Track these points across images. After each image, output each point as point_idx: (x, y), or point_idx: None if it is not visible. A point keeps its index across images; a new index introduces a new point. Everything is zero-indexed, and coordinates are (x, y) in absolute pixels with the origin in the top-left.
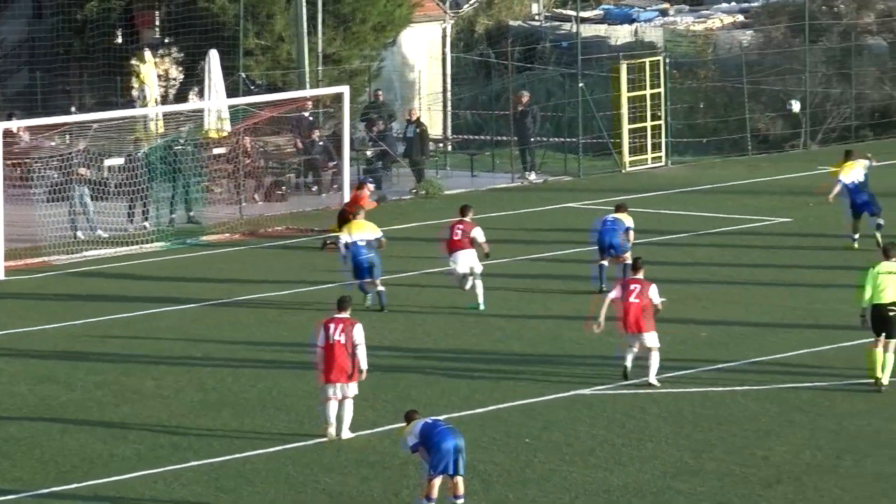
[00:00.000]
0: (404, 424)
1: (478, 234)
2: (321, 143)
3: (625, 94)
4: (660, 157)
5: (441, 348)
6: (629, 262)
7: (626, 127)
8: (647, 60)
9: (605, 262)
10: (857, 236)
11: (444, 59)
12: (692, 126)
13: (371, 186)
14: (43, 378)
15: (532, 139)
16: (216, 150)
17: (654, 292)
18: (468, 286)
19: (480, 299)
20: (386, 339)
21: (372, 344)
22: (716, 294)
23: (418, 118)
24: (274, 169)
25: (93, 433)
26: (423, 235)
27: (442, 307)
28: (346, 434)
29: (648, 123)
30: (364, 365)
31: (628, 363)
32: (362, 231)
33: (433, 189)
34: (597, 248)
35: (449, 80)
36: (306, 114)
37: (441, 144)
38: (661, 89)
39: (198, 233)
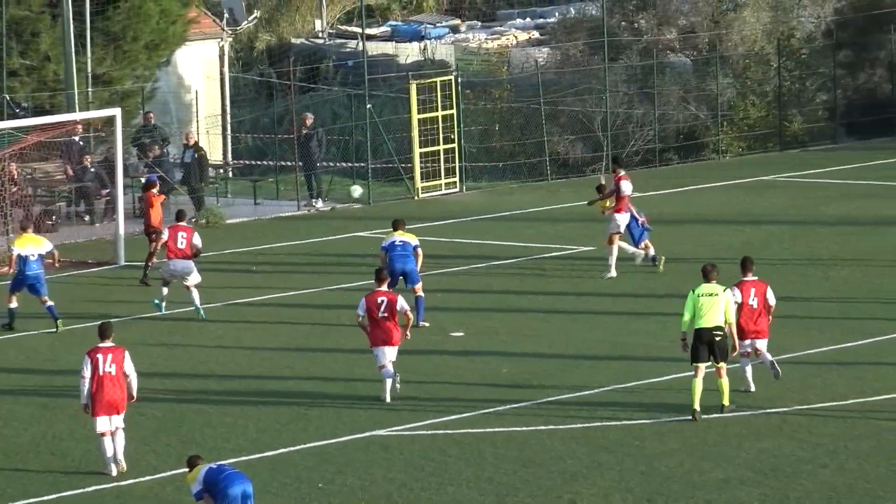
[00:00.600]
0: (187, 470)
1: (198, 241)
2: (93, 169)
3: (415, 116)
4: (454, 183)
5: (226, 388)
6: (422, 294)
7: (417, 151)
8: (437, 80)
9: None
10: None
11: (222, 80)
12: (488, 149)
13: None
14: None
15: (318, 164)
16: None
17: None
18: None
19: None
20: (166, 378)
21: (151, 384)
22: (516, 327)
23: (196, 142)
24: (43, 197)
25: None
26: (205, 267)
27: (227, 344)
28: (121, 460)
29: (441, 147)
30: (135, 393)
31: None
32: (34, 245)
33: (214, 218)
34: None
35: (228, 102)
36: (76, 138)
37: (221, 170)
38: (454, 111)
39: None
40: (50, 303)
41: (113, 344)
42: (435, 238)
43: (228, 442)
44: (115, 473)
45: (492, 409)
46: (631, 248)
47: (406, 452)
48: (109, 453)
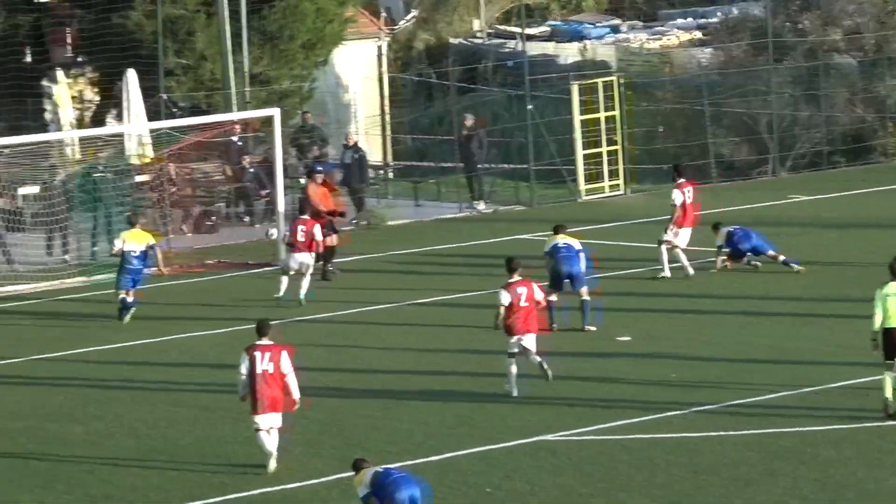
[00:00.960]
0: (353, 473)
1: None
2: (252, 169)
3: (577, 117)
4: (617, 185)
5: (390, 390)
6: (587, 298)
7: (580, 152)
8: (599, 81)
9: (555, 298)
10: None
11: (380, 80)
12: (651, 151)
13: (319, 178)
14: None
15: (479, 166)
16: (139, 178)
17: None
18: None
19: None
20: (330, 380)
21: (315, 385)
22: (684, 331)
23: (356, 143)
24: (202, 198)
25: (19, 483)
26: (368, 268)
27: (391, 345)
28: (272, 465)
29: (604, 148)
30: (296, 394)
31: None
32: (136, 241)
33: (376, 219)
34: (549, 280)
35: (387, 102)
36: (235, 138)
37: (381, 171)
38: (617, 112)
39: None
40: (134, 298)
41: (271, 342)
42: (599, 241)
43: (394, 445)
44: (271, 469)
45: (661, 415)
46: (686, 262)
47: (574, 457)
48: (268, 445)
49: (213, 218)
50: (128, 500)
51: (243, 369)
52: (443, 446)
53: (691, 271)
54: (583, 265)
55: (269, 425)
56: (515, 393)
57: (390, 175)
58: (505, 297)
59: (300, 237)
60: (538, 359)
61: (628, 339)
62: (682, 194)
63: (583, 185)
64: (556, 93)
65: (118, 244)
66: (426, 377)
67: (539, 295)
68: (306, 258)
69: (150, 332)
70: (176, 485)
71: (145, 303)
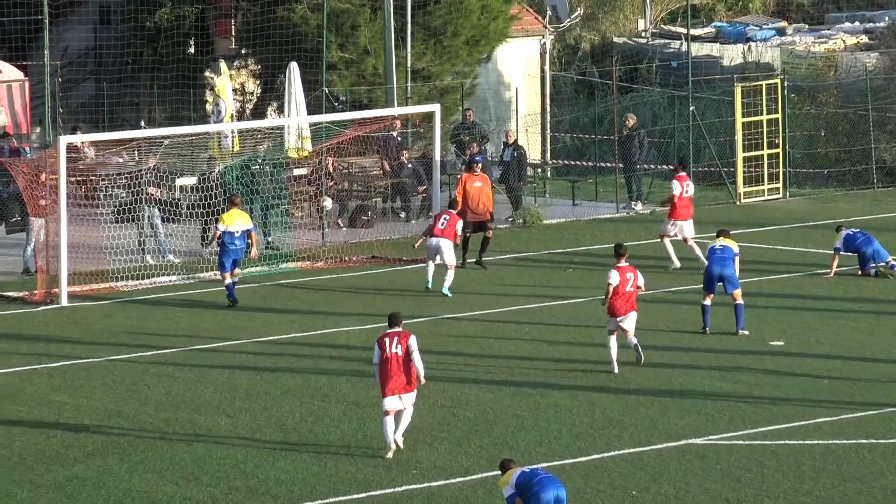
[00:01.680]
0: (500, 473)
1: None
2: (410, 165)
3: (740, 120)
4: (777, 189)
5: (540, 390)
6: (741, 301)
7: (740, 155)
8: (763, 83)
9: (708, 302)
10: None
11: (542, 78)
12: (812, 155)
13: (478, 168)
14: (110, 413)
15: (638, 166)
16: (297, 171)
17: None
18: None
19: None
20: (481, 379)
21: (464, 386)
22: (838, 337)
23: (516, 140)
24: (359, 192)
25: (163, 475)
26: (522, 265)
27: (544, 343)
28: (399, 439)
29: (765, 151)
30: (422, 372)
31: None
32: (241, 221)
33: (532, 217)
34: (703, 282)
35: (548, 101)
36: (394, 134)
37: (540, 170)
38: (780, 115)
39: (278, 260)
40: (234, 280)
41: (401, 330)
42: (756, 244)
43: (541, 446)
44: (389, 455)
45: (811, 421)
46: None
47: (723, 462)
48: (390, 431)
49: (370, 213)
50: (272, 495)
51: (376, 359)
52: (590, 447)
53: (678, 263)
54: (737, 268)
55: (396, 407)
56: (616, 370)
57: (548, 174)
58: (614, 278)
59: (441, 225)
60: (634, 340)
61: (781, 343)
62: (681, 186)
63: (741, 188)
64: (718, 94)
65: (220, 227)
66: (577, 376)
67: (641, 282)
68: (444, 244)
69: (302, 326)
70: (321, 480)
71: (300, 293)
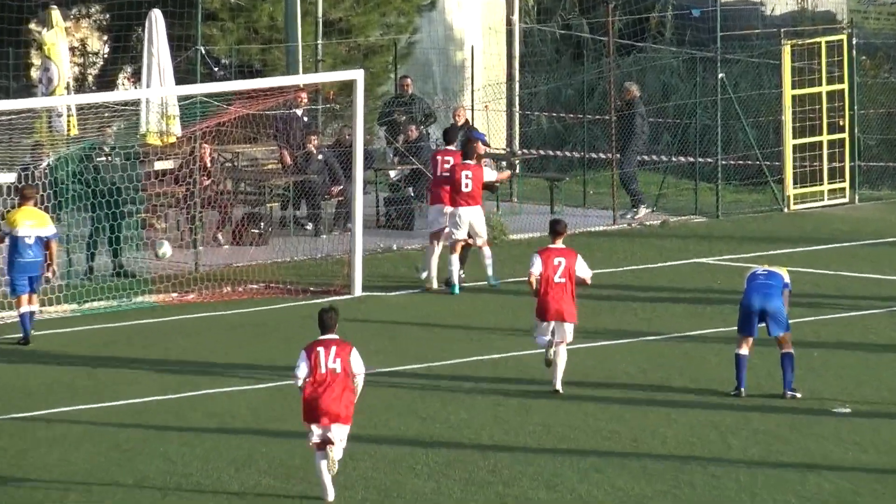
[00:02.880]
0: None
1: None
2: (321, 157)
3: (788, 92)
4: (842, 190)
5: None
6: (790, 350)
7: (789, 142)
8: (822, 40)
9: (745, 350)
10: None
11: (509, 33)
12: (891, 143)
13: (482, 148)
14: None
15: (639, 157)
16: (160, 165)
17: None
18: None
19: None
20: (419, 468)
21: (399, 469)
22: None
23: (467, 122)
24: (249, 195)
25: None
26: (479, 297)
27: (501, 415)
28: (331, 491)
29: (825, 137)
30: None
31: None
32: (35, 223)
33: (493, 231)
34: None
35: (517, 65)
36: (300, 112)
37: (505, 163)
38: (846, 85)
39: (130, 291)
40: (33, 308)
41: (337, 336)
42: (812, 269)
43: None
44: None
45: None
46: None
47: None
48: (325, 472)
49: (263, 224)
50: None
51: (300, 372)
52: None
53: None
54: (787, 303)
55: (324, 439)
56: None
57: (516, 168)
58: (536, 265)
59: (465, 187)
60: (560, 368)
61: (848, 410)
62: None
63: (791, 189)
64: (758, 56)
65: (4, 227)
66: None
67: (584, 271)
68: (474, 213)
69: (163, 386)
70: None
71: (162, 338)
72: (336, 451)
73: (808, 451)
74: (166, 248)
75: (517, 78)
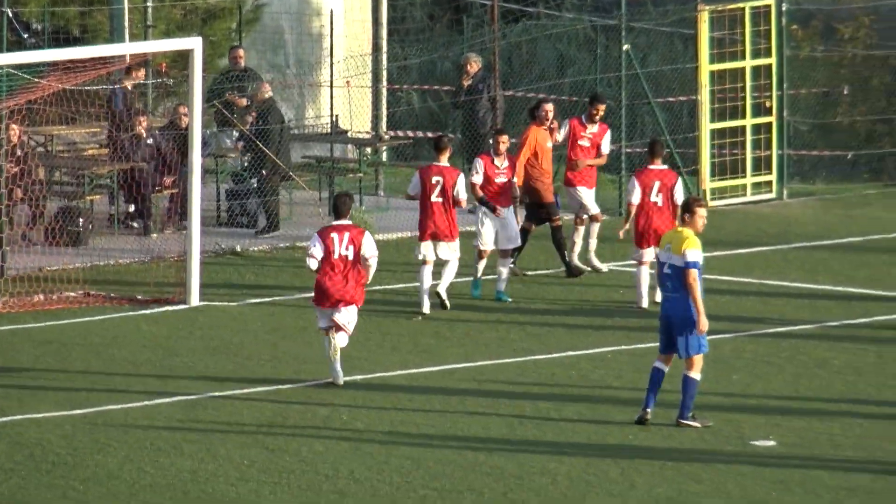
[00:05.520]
0: None
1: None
2: (150, 140)
3: (706, 67)
4: (768, 184)
5: None
6: (694, 375)
7: (705, 127)
8: (746, 6)
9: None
10: None
11: None
12: (827, 129)
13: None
14: None
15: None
16: None
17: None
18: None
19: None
20: None
21: None
22: (865, 434)
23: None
24: (65, 186)
25: None
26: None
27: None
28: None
29: (748, 121)
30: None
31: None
32: None
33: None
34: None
35: (385, 33)
36: (128, 86)
37: (369, 149)
38: (773, 59)
39: None
40: None
41: (351, 222)
42: (732, 277)
43: None
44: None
45: None
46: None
47: None
48: (337, 364)
49: (82, 220)
50: None
51: (316, 254)
52: None
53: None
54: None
55: (329, 323)
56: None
57: (383, 156)
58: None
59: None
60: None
61: (772, 443)
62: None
63: (708, 182)
64: (670, 25)
65: None
66: None
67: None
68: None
69: None
70: None
71: None
72: (340, 339)
73: (724, 491)
74: None
75: (384, 49)
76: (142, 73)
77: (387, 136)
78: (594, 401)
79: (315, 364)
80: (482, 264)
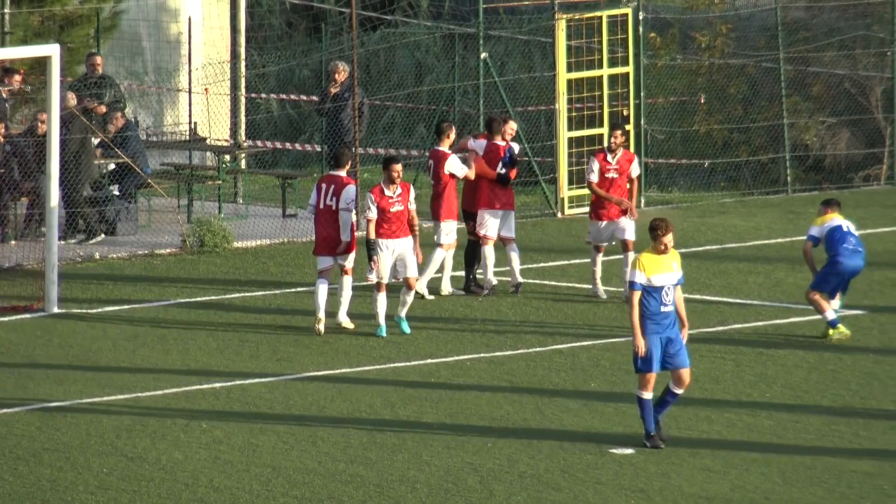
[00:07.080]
0: None
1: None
2: (8, 147)
3: (563, 76)
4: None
5: None
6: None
7: (563, 135)
8: (604, 14)
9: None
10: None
11: (233, 3)
12: (685, 137)
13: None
14: None
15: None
16: None
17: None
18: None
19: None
20: None
21: None
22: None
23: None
24: None
25: None
26: (194, 314)
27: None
28: (344, 319)
29: (605, 130)
30: (346, 236)
31: None
32: None
33: (213, 238)
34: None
35: (244, 40)
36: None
37: (228, 156)
38: (631, 68)
39: None
40: None
41: (343, 174)
42: (588, 285)
43: None
44: (320, 328)
45: None
46: None
47: None
48: (321, 299)
49: None
50: None
51: (311, 200)
52: None
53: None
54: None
55: (327, 266)
56: None
57: (242, 164)
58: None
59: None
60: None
61: (630, 451)
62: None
63: (566, 191)
64: (528, 33)
65: None
66: None
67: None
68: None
69: None
70: None
71: None
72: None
73: (583, 500)
74: None
75: (243, 56)
76: (19, 78)
77: (245, 144)
78: (453, 409)
79: (174, 372)
80: (381, 298)
